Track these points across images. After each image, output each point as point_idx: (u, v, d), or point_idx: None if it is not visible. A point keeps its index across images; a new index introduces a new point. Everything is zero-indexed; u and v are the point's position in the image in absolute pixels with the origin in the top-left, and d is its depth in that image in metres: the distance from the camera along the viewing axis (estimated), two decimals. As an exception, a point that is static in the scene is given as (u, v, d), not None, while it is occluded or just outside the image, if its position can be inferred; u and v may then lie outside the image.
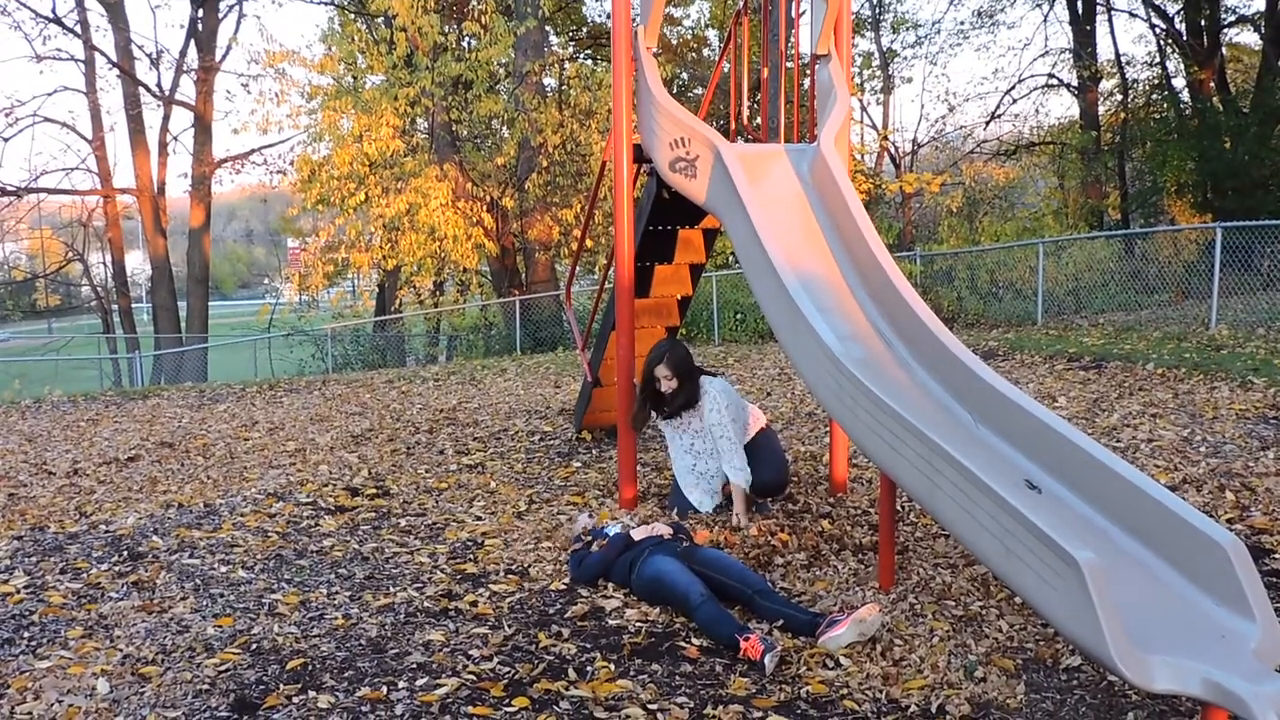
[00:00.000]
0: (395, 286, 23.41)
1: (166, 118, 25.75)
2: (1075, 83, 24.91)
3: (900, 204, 25.21)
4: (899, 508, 5.24)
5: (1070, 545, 2.89)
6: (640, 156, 5.46)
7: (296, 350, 21.25)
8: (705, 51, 24.73)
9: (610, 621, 3.98)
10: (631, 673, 3.54)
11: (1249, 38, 23.97)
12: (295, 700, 3.36)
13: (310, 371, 19.61)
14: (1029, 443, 3.74)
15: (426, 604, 4.22)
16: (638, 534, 4.46)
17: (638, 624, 3.94)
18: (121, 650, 3.80)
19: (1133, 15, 25.62)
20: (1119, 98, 24.58)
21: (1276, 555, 4.40)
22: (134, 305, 28.93)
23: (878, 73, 27.41)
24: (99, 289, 29.62)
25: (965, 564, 4.43)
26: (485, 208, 18.63)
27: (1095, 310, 14.19)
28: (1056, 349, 10.44)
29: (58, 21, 24.77)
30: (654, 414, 5.32)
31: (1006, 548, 3.14)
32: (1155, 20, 23.51)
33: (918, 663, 3.53)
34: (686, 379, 5.16)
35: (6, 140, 24.77)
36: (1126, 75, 24.54)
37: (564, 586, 4.39)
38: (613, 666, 3.58)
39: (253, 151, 25.80)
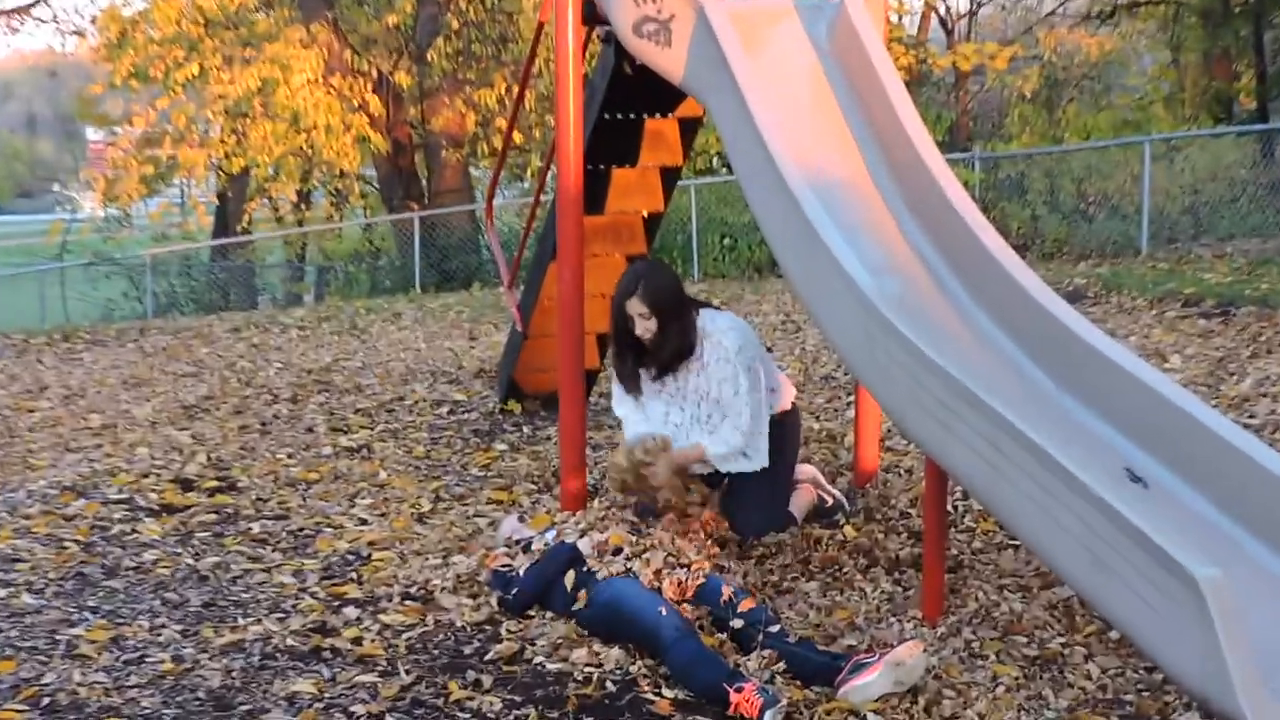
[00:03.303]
0: (243, 197, 23.16)
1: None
2: (1197, -83, 24.95)
3: (954, 86, 25.24)
4: (951, 507, 5.28)
5: (1186, 557, 2.92)
6: (593, 15, 5.40)
7: (102, 286, 21.01)
8: None
9: (549, 665, 3.99)
10: (579, 736, 3.56)
11: None
12: (106, 777, 3.34)
13: (123, 316, 19.40)
14: (1131, 417, 3.77)
15: (290, 641, 4.20)
16: (587, 545, 4.47)
17: (587, 669, 3.95)
18: None
19: None
20: (1258, -62, 24.65)
21: None
22: None
23: (924, -100, 27.31)
24: None
25: (1042, 585, 4.48)
26: (370, 86, 18.43)
27: (1221, 235, 14.31)
28: (1167, 288, 10.53)
29: None
30: (640, 372, 5.07)
31: (1098, 561, 3.18)
32: None
33: (975, 720, 3.57)
34: (673, 317, 4.86)
35: None
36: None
37: (484, 617, 4.39)
38: (553, 728, 3.60)
39: (36, 3, 25.33)
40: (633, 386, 5.07)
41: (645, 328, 4.87)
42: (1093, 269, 13.00)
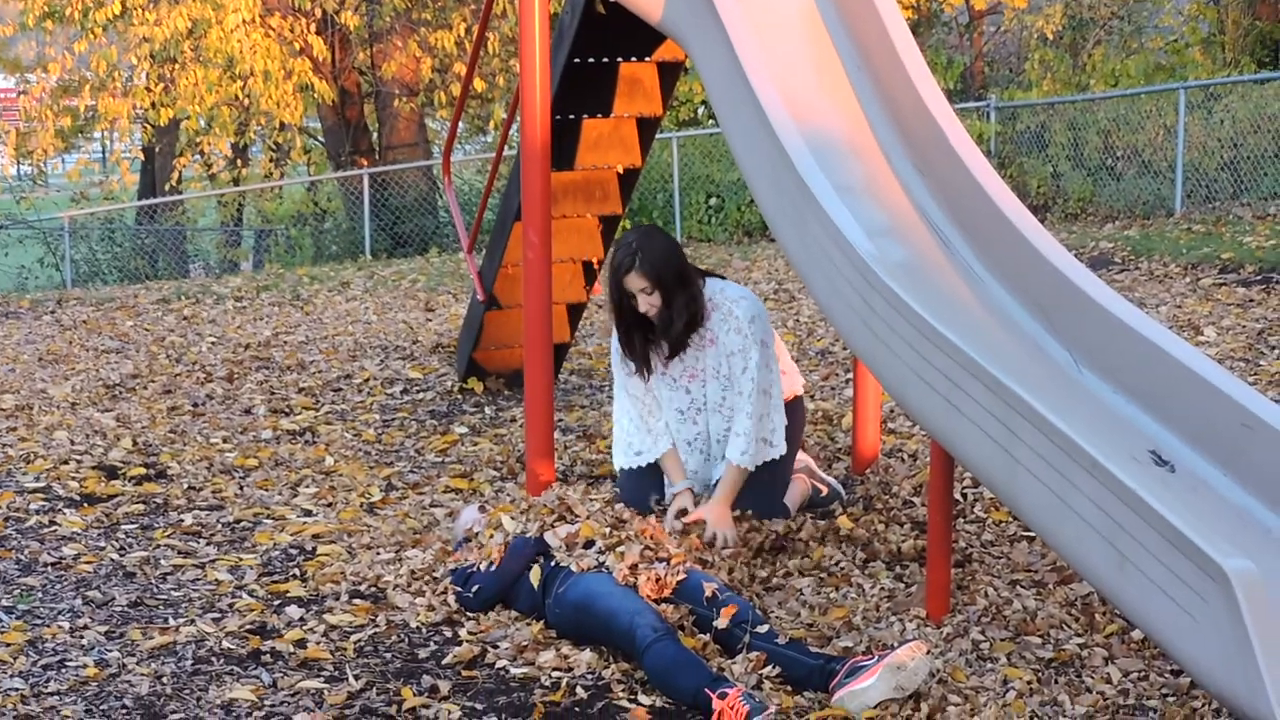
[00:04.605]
0: (172, 153, 23.00)
1: None
2: None
3: (967, 27, 25.21)
4: (959, 495, 5.31)
5: (1215, 548, 2.95)
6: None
7: (14, 252, 20.89)
8: None
9: (513, 670, 4.01)
10: (546, 748, 3.59)
11: None
12: (21, 795, 3.36)
13: (38, 285, 19.30)
14: (1158, 396, 3.79)
15: (227, 644, 4.21)
16: (554, 537, 4.48)
17: (555, 674, 3.97)
18: None
19: None
20: None
21: None
22: None
23: None
24: None
25: (1059, 581, 4.51)
26: (314, 27, 18.32)
27: (1263, 194, 14.34)
28: (1203, 253, 10.59)
29: None
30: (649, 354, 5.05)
31: (1120, 554, 3.21)
32: None
33: (983, 729, 3.61)
34: (678, 287, 4.87)
35: None
36: None
37: (441, 618, 4.41)
38: (517, 739, 3.63)
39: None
40: (643, 369, 5.05)
41: (649, 303, 4.87)
42: (1120, 231, 13.04)
